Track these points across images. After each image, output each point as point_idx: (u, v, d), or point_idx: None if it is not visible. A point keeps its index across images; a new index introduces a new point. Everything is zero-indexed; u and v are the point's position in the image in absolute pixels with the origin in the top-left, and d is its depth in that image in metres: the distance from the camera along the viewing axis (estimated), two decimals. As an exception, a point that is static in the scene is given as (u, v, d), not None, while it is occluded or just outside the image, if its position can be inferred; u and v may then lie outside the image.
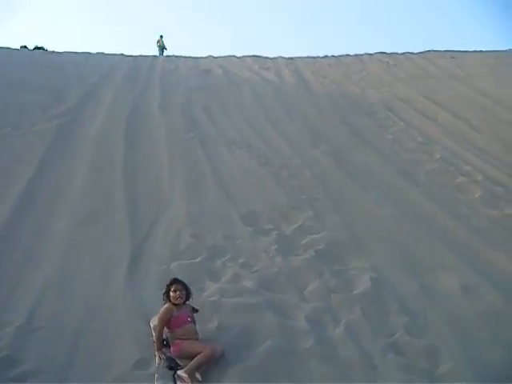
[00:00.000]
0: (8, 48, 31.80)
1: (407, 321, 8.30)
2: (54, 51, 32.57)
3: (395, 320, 8.35)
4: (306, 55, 33.24)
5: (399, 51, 32.88)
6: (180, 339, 7.36)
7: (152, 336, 7.64)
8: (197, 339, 7.45)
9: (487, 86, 23.11)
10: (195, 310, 7.83)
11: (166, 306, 7.59)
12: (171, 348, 7.39)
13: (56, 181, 13.30)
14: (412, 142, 17.48)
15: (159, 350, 7.38)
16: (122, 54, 31.59)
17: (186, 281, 8.06)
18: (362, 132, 18.43)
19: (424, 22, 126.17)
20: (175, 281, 7.85)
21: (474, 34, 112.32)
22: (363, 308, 8.59)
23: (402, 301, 8.87)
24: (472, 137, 17.69)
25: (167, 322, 7.47)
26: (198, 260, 9.99)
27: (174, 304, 7.61)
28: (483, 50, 32.52)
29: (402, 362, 7.38)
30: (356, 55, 32.74)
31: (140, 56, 31.92)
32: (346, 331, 8.01)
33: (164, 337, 7.54)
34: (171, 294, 7.70)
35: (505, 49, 32.12)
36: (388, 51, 33.00)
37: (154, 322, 7.75)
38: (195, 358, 7.01)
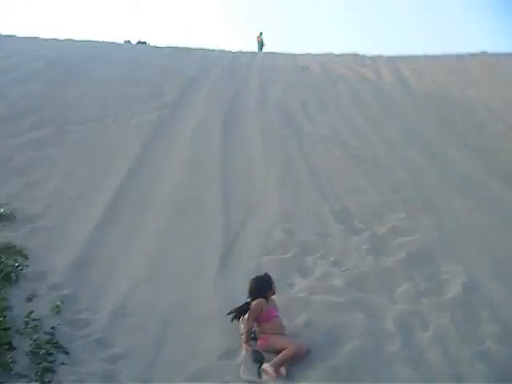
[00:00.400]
0: (112, 43, 32.89)
1: (498, 329, 8.11)
2: (155, 46, 33.37)
3: (485, 328, 8.17)
4: (405, 54, 32.70)
5: (502, 51, 31.86)
6: (268, 333, 7.48)
7: (240, 329, 7.80)
8: (283, 334, 7.55)
9: None
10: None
11: (258, 299, 7.69)
12: (258, 341, 7.53)
13: (152, 173, 13.70)
14: (512, 144, 16.99)
15: (246, 342, 7.52)
16: (221, 50, 32.03)
17: (275, 276, 8.20)
18: (459, 132, 18.04)
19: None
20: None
21: None
22: (453, 313, 8.47)
23: (493, 308, 8.67)
24: None
25: (258, 315, 7.59)
26: (288, 256, 10.10)
27: (265, 298, 7.74)
28: None
29: (489, 372, 7.21)
30: (457, 55, 31.96)
31: (239, 52, 32.26)
32: (433, 336, 7.93)
33: (251, 330, 7.68)
34: (272, 288, 7.85)
35: None
36: (490, 51, 32.04)
37: (234, 312, 7.89)
38: (281, 353, 7.11)
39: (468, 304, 8.74)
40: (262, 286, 7.85)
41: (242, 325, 7.83)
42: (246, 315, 7.79)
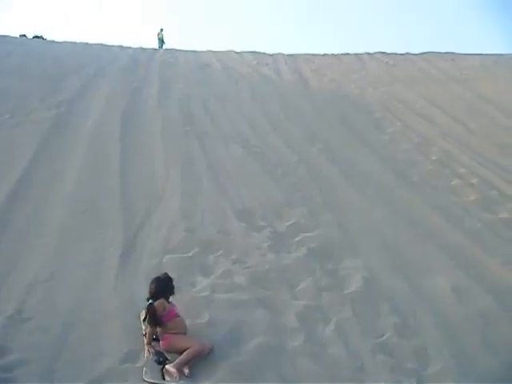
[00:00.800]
0: (6, 36, 31.72)
1: (397, 321, 8.30)
2: (53, 41, 32.48)
3: (385, 320, 8.34)
4: (305, 52, 33.16)
5: (399, 51, 32.86)
6: (170, 333, 7.35)
7: (141, 329, 7.63)
8: (185, 334, 7.44)
9: (486, 89, 23.12)
10: None
11: (160, 300, 7.53)
12: (160, 342, 7.38)
13: (51, 171, 13.28)
14: (408, 142, 17.48)
15: (149, 343, 7.36)
16: (121, 46, 31.49)
17: (177, 275, 8.09)
18: (358, 131, 18.44)
19: (424, 23, 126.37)
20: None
21: (475, 37, 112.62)
22: (354, 307, 8.59)
23: (392, 301, 8.86)
24: (469, 140, 17.70)
25: (160, 316, 7.44)
26: (190, 254, 9.98)
27: (166, 299, 7.60)
28: (483, 53, 32.48)
29: (390, 363, 7.37)
30: (356, 54, 32.71)
31: (139, 48, 31.83)
32: (335, 330, 8.01)
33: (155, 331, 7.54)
34: (172, 288, 7.72)
35: (504, 52, 32.10)
36: (388, 51, 32.97)
37: (144, 315, 7.73)
38: (184, 353, 7.01)
39: (368, 298, 8.88)
40: (163, 287, 7.70)
41: (143, 325, 7.66)
42: (142, 316, 7.65)
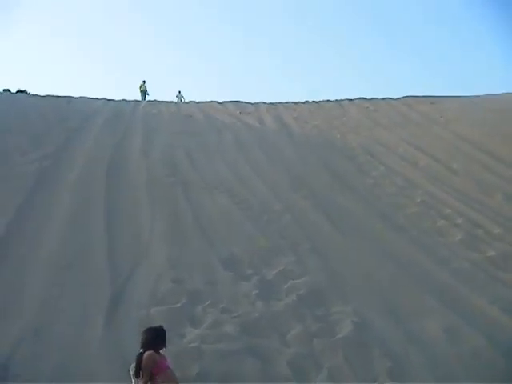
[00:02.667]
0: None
1: (390, 365, 8.26)
2: (36, 95, 32.57)
3: (378, 365, 8.30)
4: (287, 100, 33.51)
5: (379, 96, 33.29)
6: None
7: (131, 383, 7.50)
8: (176, 386, 7.31)
9: (465, 130, 23.38)
10: None
11: (149, 352, 7.40)
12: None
13: (34, 227, 13.11)
14: (392, 186, 17.59)
15: None
16: (104, 99, 31.65)
17: (165, 326, 7.97)
18: (342, 176, 18.53)
19: (402, 68, 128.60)
20: None
21: (452, 78, 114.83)
22: (345, 353, 8.54)
23: (384, 345, 8.82)
24: (452, 180, 17.84)
25: (151, 368, 7.31)
26: (178, 305, 9.90)
27: (156, 350, 7.48)
28: (461, 95, 33.00)
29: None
30: (336, 100, 33.08)
31: (122, 100, 32.00)
32: (328, 377, 7.96)
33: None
34: (165, 342, 7.60)
35: (481, 94, 32.58)
36: (368, 96, 33.41)
37: (133, 369, 7.60)
38: (175, 406, 6.88)
39: (360, 343, 8.84)
40: (157, 338, 7.59)
41: (133, 380, 7.52)
42: (132, 370, 7.51)
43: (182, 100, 37.83)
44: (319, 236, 13.54)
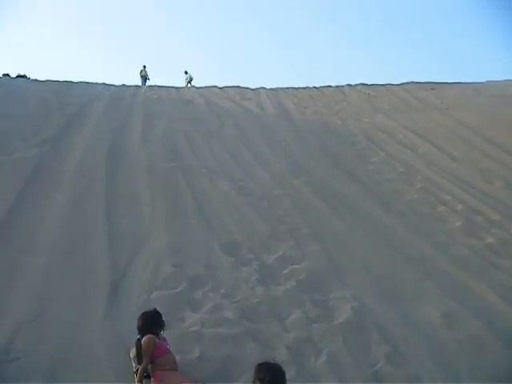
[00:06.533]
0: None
1: (389, 350, 8.31)
2: (36, 79, 32.49)
3: (377, 349, 8.35)
4: (287, 86, 33.48)
5: (380, 82, 33.28)
6: (161, 370, 7.26)
7: (132, 367, 7.55)
8: (176, 369, 7.36)
9: (466, 117, 23.37)
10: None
11: (148, 336, 7.47)
12: (152, 379, 7.29)
13: (35, 212, 13.10)
14: (392, 172, 17.61)
15: (140, 381, 7.27)
16: (104, 84, 31.57)
17: (166, 311, 8.05)
18: (342, 162, 18.55)
19: (405, 54, 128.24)
20: None
21: (455, 66, 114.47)
22: (345, 338, 8.60)
23: (383, 330, 8.88)
24: (452, 167, 17.86)
25: (151, 352, 7.37)
26: (178, 290, 9.92)
27: (155, 334, 7.55)
28: (462, 81, 32.94)
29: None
30: (337, 86, 33.05)
31: (122, 86, 31.93)
32: (327, 361, 8.00)
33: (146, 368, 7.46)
34: (162, 323, 7.68)
35: (483, 80, 32.53)
36: (369, 82, 33.38)
37: (135, 352, 7.66)
38: (176, 390, 6.93)
39: (359, 327, 8.90)
40: (152, 322, 7.65)
41: (133, 363, 7.58)
42: (132, 353, 7.57)
43: (191, 79, 37.87)
44: (319, 221, 13.58)
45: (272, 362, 6.29)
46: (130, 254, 11.36)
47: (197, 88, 33.35)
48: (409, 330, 8.89)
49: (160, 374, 7.23)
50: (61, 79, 31.30)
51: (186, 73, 39.21)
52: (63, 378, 7.57)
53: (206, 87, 32.86)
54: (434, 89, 30.40)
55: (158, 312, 7.80)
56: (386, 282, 10.63)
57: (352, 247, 12.18)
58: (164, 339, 7.70)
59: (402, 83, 32.82)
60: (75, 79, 31.60)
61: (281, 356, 8.02)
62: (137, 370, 7.39)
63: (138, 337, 7.52)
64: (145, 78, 38.52)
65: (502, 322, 9.22)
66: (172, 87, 32.91)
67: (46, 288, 9.96)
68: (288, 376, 7.47)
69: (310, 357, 8.14)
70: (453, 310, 9.47)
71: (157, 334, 7.59)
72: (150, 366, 7.36)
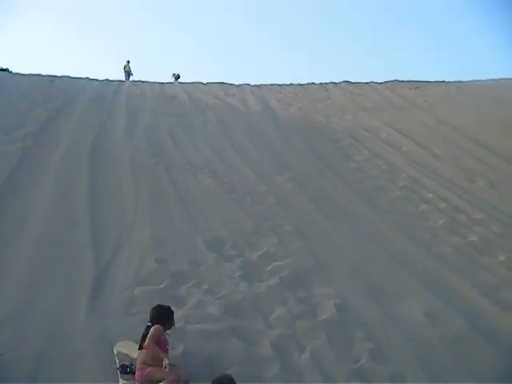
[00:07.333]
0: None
1: (372, 347, 8.35)
2: (18, 73, 32.20)
3: (360, 346, 8.39)
4: (271, 83, 33.46)
5: (364, 80, 33.35)
6: (146, 365, 7.22)
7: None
8: (161, 366, 7.32)
9: (449, 115, 23.52)
10: None
11: (158, 326, 7.45)
12: (136, 373, 7.26)
13: (18, 206, 13.01)
14: (376, 170, 17.68)
15: (164, 356, 7.20)
16: (87, 78, 31.36)
17: (149, 307, 8.02)
18: (326, 159, 18.58)
19: (389, 53, 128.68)
20: None
21: (438, 64, 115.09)
22: (328, 334, 8.63)
23: (366, 327, 8.92)
24: (435, 165, 17.95)
25: (158, 340, 7.36)
26: (162, 286, 9.91)
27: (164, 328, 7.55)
28: (445, 80, 33.11)
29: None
30: (321, 84, 33.07)
31: (106, 80, 31.74)
32: (310, 358, 8.03)
33: (127, 363, 7.43)
34: (172, 321, 7.72)
35: (466, 79, 32.70)
36: (352, 80, 33.44)
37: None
38: (160, 384, 6.91)
39: (342, 325, 8.94)
40: (164, 316, 7.67)
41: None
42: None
43: (179, 77, 37.86)
44: (302, 218, 13.60)
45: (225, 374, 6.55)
46: (114, 249, 11.32)
47: (180, 83, 33.21)
48: (391, 328, 8.94)
49: (144, 368, 7.18)
50: (43, 73, 31.05)
51: (174, 75, 39.16)
52: (47, 372, 7.54)
53: (189, 83, 32.75)
54: (418, 87, 30.52)
55: (171, 310, 7.82)
56: (369, 279, 10.67)
57: (335, 244, 12.21)
58: (167, 337, 7.67)
59: (386, 81, 32.93)
60: (58, 73, 31.38)
61: (264, 352, 8.06)
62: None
63: (149, 324, 7.53)
64: (128, 73, 38.30)
65: (485, 319, 9.30)
66: (156, 82, 32.73)
67: (31, 282, 9.91)
68: (271, 372, 7.61)
69: (293, 353, 8.17)
70: (436, 308, 9.53)
71: (165, 329, 7.59)
72: (140, 357, 7.29)
